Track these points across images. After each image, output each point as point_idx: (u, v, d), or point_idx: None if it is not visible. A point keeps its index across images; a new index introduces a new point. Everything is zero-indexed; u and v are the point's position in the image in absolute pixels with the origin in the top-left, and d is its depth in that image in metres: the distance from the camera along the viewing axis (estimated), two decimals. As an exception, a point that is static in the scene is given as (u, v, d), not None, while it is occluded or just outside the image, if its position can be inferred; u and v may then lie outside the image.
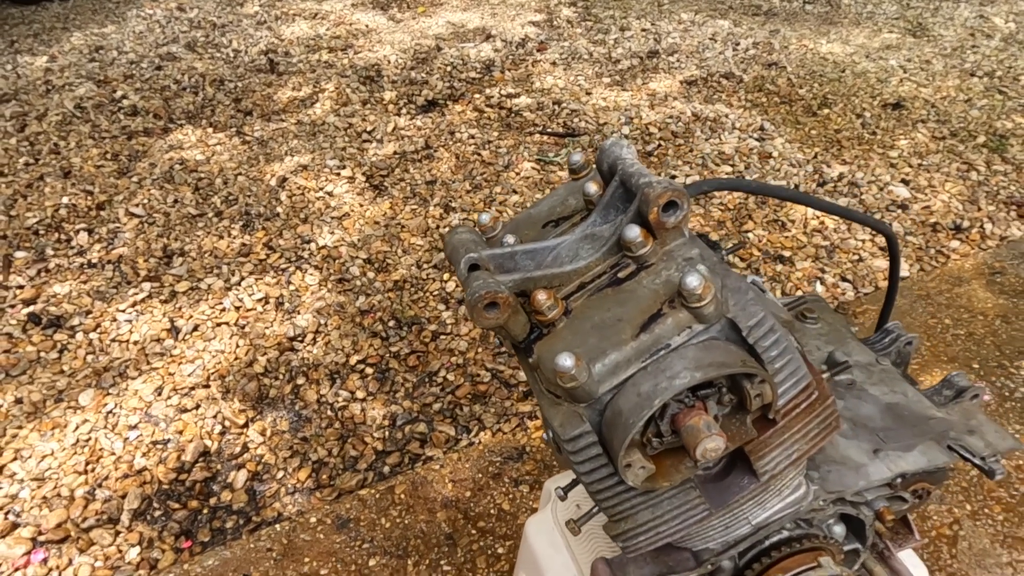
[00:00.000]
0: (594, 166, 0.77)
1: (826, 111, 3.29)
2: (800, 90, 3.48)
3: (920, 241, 2.46)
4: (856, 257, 2.40)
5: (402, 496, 1.65)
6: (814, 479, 0.77)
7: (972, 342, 2.01)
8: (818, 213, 2.60)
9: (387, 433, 1.84)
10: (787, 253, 2.43)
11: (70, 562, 1.57)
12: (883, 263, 2.36)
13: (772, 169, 2.86)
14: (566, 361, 0.55)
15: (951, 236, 2.48)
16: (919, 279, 2.29)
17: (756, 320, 0.57)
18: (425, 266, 2.40)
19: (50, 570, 1.56)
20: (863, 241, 2.47)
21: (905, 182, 2.77)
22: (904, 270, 2.33)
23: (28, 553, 1.58)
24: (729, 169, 2.88)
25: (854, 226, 2.54)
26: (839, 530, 0.83)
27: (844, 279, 2.30)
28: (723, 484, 0.67)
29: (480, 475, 1.69)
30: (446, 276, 2.35)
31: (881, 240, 2.46)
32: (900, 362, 1.03)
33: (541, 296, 0.62)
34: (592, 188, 0.70)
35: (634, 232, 0.62)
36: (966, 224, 2.52)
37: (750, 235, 2.49)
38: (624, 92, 3.51)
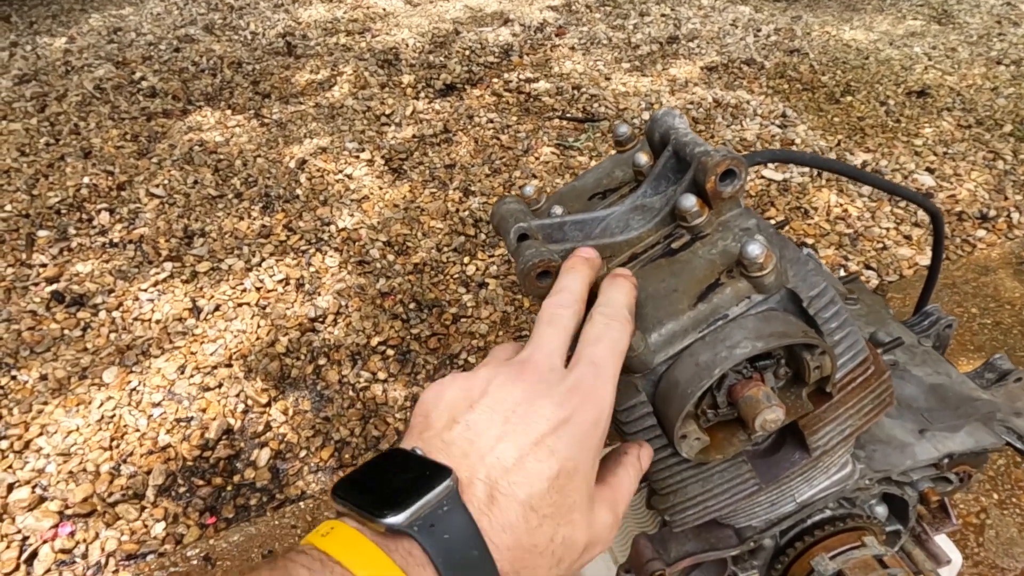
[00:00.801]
0: (640, 139, 0.76)
1: (849, 98, 3.25)
2: (823, 77, 3.44)
3: (946, 230, 2.43)
4: (880, 245, 2.38)
5: (425, 476, 1.65)
6: (860, 458, 0.76)
7: (999, 331, 1.99)
8: (842, 201, 2.58)
9: (409, 414, 1.85)
10: (810, 240, 2.40)
11: (97, 536, 1.59)
12: (908, 251, 2.33)
13: (795, 156, 2.83)
14: (623, 330, 0.55)
15: (977, 225, 2.45)
16: (945, 268, 2.26)
17: (817, 291, 0.56)
18: (445, 249, 2.39)
19: (77, 543, 1.57)
20: (887, 229, 2.44)
21: (930, 170, 2.73)
22: (927, 258, 2.30)
23: (56, 526, 1.60)
24: (751, 156, 2.85)
25: (877, 214, 2.51)
26: (881, 511, 0.83)
27: (868, 267, 2.28)
28: (773, 459, 0.66)
29: (503, 457, 1.69)
30: (466, 259, 2.35)
31: (906, 228, 2.44)
32: (939, 345, 1.02)
33: (594, 266, 0.61)
34: (643, 159, 0.69)
35: (690, 201, 0.61)
36: (992, 213, 2.49)
37: (771, 223, 2.47)
38: (644, 78, 3.48)
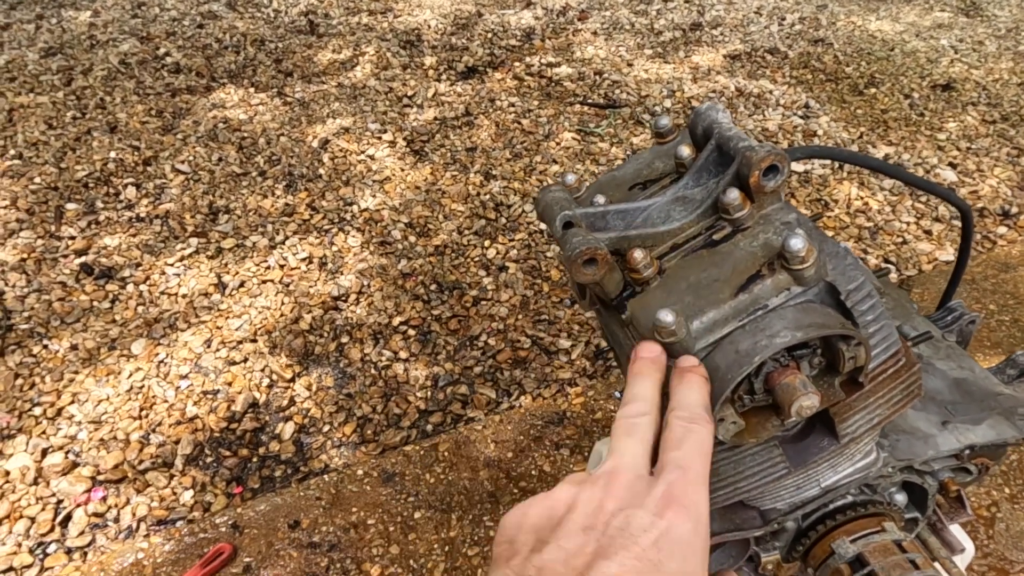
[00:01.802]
0: (681, 130, 0.78)
1: (873, 90, 3.23)
2: (847, 68, 3.42)
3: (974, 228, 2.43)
4: (900, 240, 2.38)
5: (445, 454, 1.69)
6: (884, 447, 0.78)
7: (1017, 328, 2.00)
8: (863, 194, 2.58)
9: (429, 393, 1.89)
10: (830, 233, 2.41)
11: (128, 501, 1.64)
12: (927, 246, 2.33)
13: (816, 147, 2.82)
14: (667, 316, 0.57)
15: (999, 222, 2.45)
16: (964, 264, 2.27)
17: (855, 284, 0.58)
18: (466, 232, 2.42)
19: (109, 507, 1.63)
20: (908, 223, 2.44)
21: (953, 165, 2.72)
22: (949, 254, 2.31)
23: (88, 491, 1.66)
24: (772, 146, 2.85)
25: (899, 208, 2.51)
26: (901, 499, 0.85)
27: (887, 260, 2.29)
28: (802, 445, 0.69)
29: (521, 437, 1.73)
30: (487, 243, 2.37)
31: (926, 223, 2.44)
32: (961, 340, 1.04)
33: (638, 254, 0.64)
34: (685, 151, 0.71)
35: (733, 195, 0.63)
36: (1014, 210, 2.48)
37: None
38: (666, 64, 3.47)
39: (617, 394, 0.90)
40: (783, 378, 0.58)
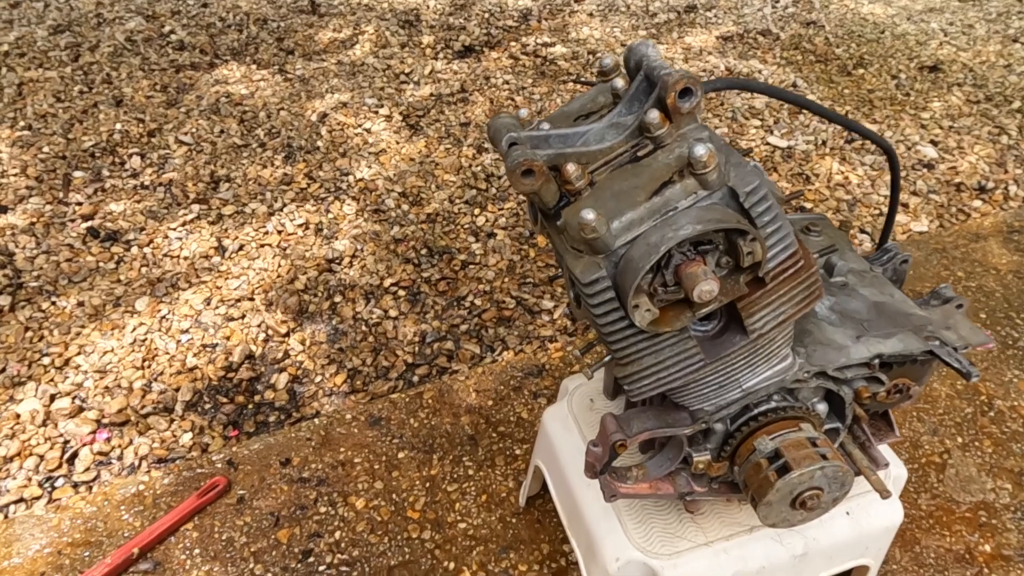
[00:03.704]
0: (622, 69, 0.87)
1: (861, 71, 3.30)
2: (837, 49, 3.48)
3: (943, 199, 2.51)
4: (877, 212, 2.46)
5: (429, 401, 1.79)
6: (801, 354, 0.87)
7: (982, 294, 2.08)
8: (843, 169, 2.65)
9: (417, 348, 1.98)
10: (809, 205, 2.49)
11: (131, 442, 1.75)
12: (903, 218, 2.41)
13: (801, 124, 2.90)
14: (589, 215, 0.66)
15: (974, 196, 2.52)
16: (937, 234, 2.35)
17: (752, 187, 0.67)
18: (457, 201, 2.51)
19: (113, 447, 1.73)
20: (885, 197, 2.52)
21: (934, 143, 2.79)
22: (923, 225, 2.39)
23: (93, 432, 1.76)
24: (758, 123, 2.93)
25: (877, 182, 2.58)
26: (822, 408, 0.95)
27: (863, 231, 2.37)
28: (719, 340, 0.78)
29: (502, 387, 1.82)
30: (476, 211, 2.46)
31: (903, 197, 2.51)
32: (896, 279, 1.13)
33: (571, 167, 0.73)
34: (619, 83, 0.80)
35: (653, 115, 0.72)
36: (991, 185, 2.56)
37: (781, 187, 2.55)
38: (659, 45, 3.54)
39: (578, 351, 0.99)
40: (688, 268, 0.67)
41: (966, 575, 1.43)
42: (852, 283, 0.99)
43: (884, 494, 0.94)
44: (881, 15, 3.84)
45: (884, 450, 1.13)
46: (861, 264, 1.04)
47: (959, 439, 1.68)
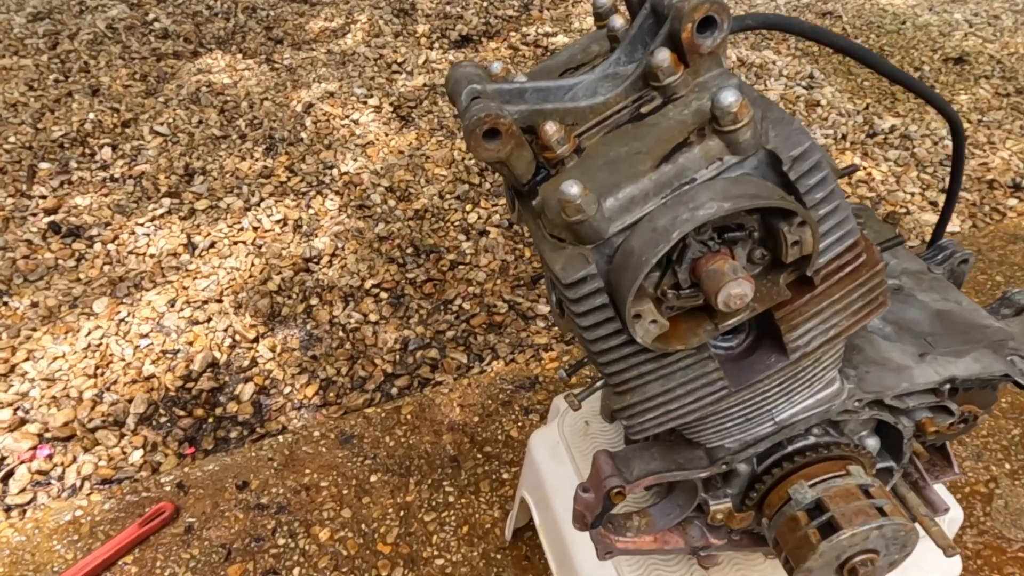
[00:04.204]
0: (620, 7, 0.68)
1: (882, 63, 3.10)
2: (855, 40, 3.28)
3: (975, 197, 2.31)
4: (904, 210, 2.26)
5: (408, 417, 1.60)
6: (850, 377, 0.68)
7: None
8: (866, 164, 2.45)
9: (398, 356, 1.80)
10: (829, 203, 2.29)
11: (74, 459, 1.56)
12: (932, 217, 2.21)
13: (819, 117, 2.70)
14: (572, 188, 0.48)
15: (1009, 194, 2.32)
16: (971, 235, 2.15)
17: (801, 150, 0.48)
18: (448, 196, 2.32)
19: (54, 465, 1.55)
20: (912, 194, 2.32)
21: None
22: (955, 225, 2.19)
23: (34, 448, 1.58)
24: (773, 116, 2.73)
25: (903, 179, 2.38)
26: (872, 443, 0.75)
27: (889, 231, 2.17)
28: (746, 362, 0.59)
29: (490, 401, 1.63)
30: (468, 207, 2.28)
31: (931, 195, 2.31)
32: (953, 283, 0.93)
33: (550, 127, 0.54)
34: (618, 22, 0.61)
35: (663, 55, 0.53)
36: (1026, 183, 2.35)
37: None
38: (667, 35, 3.35)
39: (563, 372, 0.81)
40: (711, 264, 0.48)
41: (1022, 627, 1.23)
42: (908, 287, 0.80)
43: (949, 551, 0.75)
44: (901, 5, 3.64)
45: (941, 491, 0.93)
46: (917, 264, 0.85)
47: (1007, 465, 1.48)
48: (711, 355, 0.56)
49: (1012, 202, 2.28)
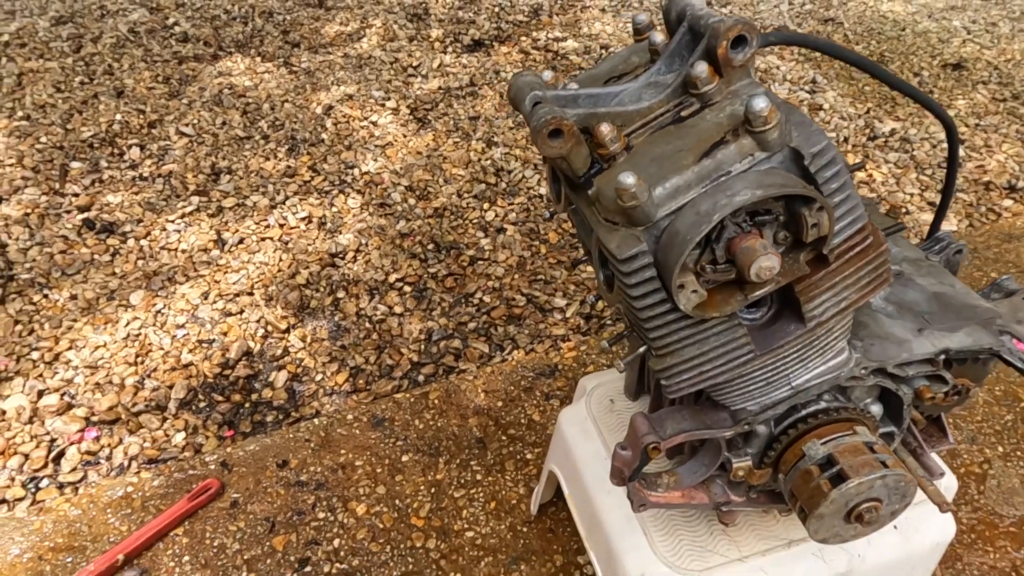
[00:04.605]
0: (658, 25, 0.77)
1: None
2: (856, 47, 3.38)
3: (972, 198, 2.41)
4: (904, 211, 2.36)
5: (435, 401, 1.70)
6: (857, 348, 0.78)
7: (1018, 296, 1.98)
8: (868, 168, 2.55)
9: (423, 346, 1.89)
10: (831, 202, 2.39)
11: (120, 441, 1.66)
12: (930, 216, 2.31)
13: (822, 121, 2.80)
14: (628, 179, 0.57)
15: (1004, 195, 2.42)
16: (967, 234, 2.25)
17: (819, 148, 0.58)
18: (466, 195, 2.42)
19: (102, 447, 1.64)
20: (911, 195, 2.42)
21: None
22: (952, 225, 2.29)
23: (82, 430, 1.67)
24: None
25: (902, 180, 2.48)
26: (876, 409, 0.85)
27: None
28: (769, 330, 0.69)
29: (512, 387, 1.73)
30: (486, 206, 2.37)
31: (930, 195, 2.41)
32: (948, 269, 1.03)
33: (604, 128, 0.64)
34: (658, 37, 0.71)
35: (701, 67, 0.63)
36: (1021, 184, 2.45)
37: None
38: (673, 41, 3.45)
39: (605, 343, 0.90)
40: (744, 242, 0.58)
41: (1013, 595, 1.32)
42: (908, 272, 0.90)
43: (944, 507, 0.84)
44: (901, 12, 3.74)
45: (936, 459, 1.03)
46: (916, 253, 0.94)
47: (1000, 448, 1.57)
48: (740, 323, 0.66)
49: (1007, 203, 2.38)
